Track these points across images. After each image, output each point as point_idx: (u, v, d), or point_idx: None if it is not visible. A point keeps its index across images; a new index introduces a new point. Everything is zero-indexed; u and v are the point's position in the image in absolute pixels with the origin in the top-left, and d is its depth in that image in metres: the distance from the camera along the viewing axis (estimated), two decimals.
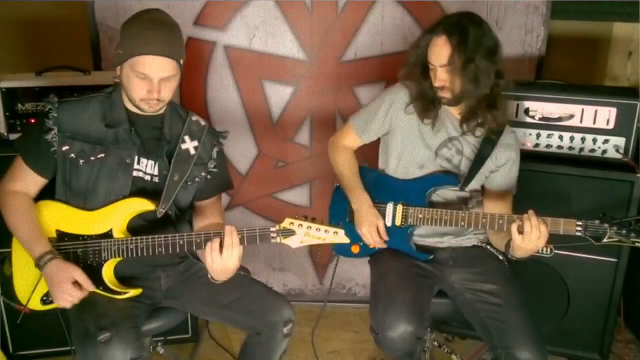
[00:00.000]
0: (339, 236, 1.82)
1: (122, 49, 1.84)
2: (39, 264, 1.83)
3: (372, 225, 2.11)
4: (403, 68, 2.13)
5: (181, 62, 1.88)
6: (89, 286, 1.84)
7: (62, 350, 2.37)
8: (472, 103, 2.06)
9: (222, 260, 1.78)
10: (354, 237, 2.11)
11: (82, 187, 1.92)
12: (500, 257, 2.20)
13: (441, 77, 2.01)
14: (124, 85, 1.89)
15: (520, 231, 1.88)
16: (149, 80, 1.83)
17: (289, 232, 1.81)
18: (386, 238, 2.13)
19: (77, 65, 2.52)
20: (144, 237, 1.86)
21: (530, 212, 1.89)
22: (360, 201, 2.16)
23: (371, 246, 2.15)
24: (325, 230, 1.81)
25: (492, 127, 2.09)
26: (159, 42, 1.81)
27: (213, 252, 1.78)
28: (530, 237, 1.86)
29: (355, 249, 2.21)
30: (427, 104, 2.10)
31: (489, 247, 2.24)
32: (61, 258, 1.85)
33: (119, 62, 1.86)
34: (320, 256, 3.07)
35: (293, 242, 1.82)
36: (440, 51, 1.97)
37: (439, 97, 2.09)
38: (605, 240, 1.87)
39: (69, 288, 1.81)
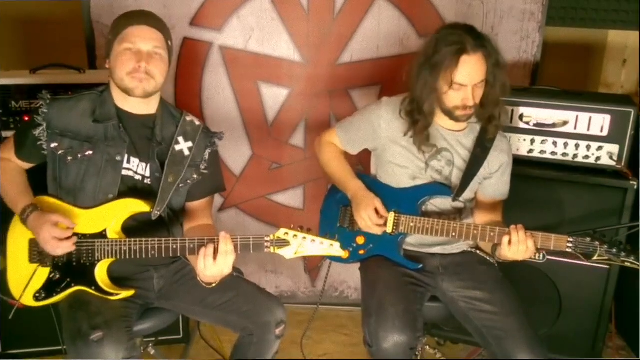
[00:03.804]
0: (334, 249, 1.80)
1: (112, 35, 1.91)
2: (23, 217, 1.86)
3: (370, 207, 2.07)
4: (426, 94, 2.04)
5: (169, 43, 1.94)
6: (69, 223, 1.85)
7: (53, 349, 2.37)
8: (491, 110, 2.07)
9: (215, 266, 1.78)
10: (344, 242, 2.08)
11: (72, 184, 1.93)
12: (490, 260, 2.21)
13: (474, 94, 1.98)
14: (113, 70, 1.91)
15: (509, 242, 1.92)
16: (137, 53, 1.86)
17: (283, 243, 1.80)
18: (386, 215, 2.08)
19: (72, 63, 2.52)
20: (138, 239, 1.86)
21: (519, 225, 1.93)
22: (354, 188, 2.14)
23: (371, 231, 2.10)
24: (321, 242, 1.80)
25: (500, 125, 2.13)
26: (145, 15, 1.93)
27: (207, 258, 1.78)
28: (518, 249, 1.91)
29: (344, 254, 2.20)
30: (426, 132, 2.09)
31: (478, 251, 2.24)
32: (42, 209, 1.87)
33: (109, 47, 1.91)
34: (309, 258, 3.05)
35: (287, 252, 1.80)
36: (477, 69, 1.95)
37: (432, 121, 2.09)
38: (595, 258, 1.90)
39: (52, 229, 1.81)
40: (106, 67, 1.95)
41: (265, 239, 1.80)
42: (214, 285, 1.88)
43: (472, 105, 2.00)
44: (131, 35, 1.87)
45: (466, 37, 1.94)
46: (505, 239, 1.92)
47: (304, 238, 1.79)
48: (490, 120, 2.10)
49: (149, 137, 1.98)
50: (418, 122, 2.08)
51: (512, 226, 1.92)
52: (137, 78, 1.87)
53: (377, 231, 2.09)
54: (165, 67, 1.93)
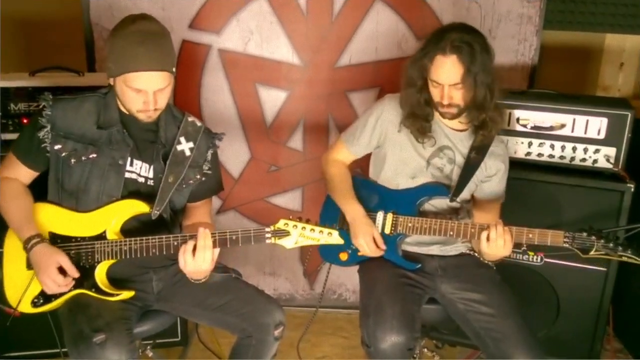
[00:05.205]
0: (333, 237, 1.83)
1: (113, 64, 1.83)
2: (26, 247, 1.84)
3: (368, 235, 2.11)
4: (403, 86, 2.12)
5: (173, 69, 1.88)
6: (73, 273, 1.84)
7: (51, 352, 2.36)
8: (478, 115, 2.07)
9: (194, 263, 1.81)
10: (344, 244, 2.08)
11: (74, 186, 1.92)
12: (489, 263, 2.21)
13: (450, 94, 2.01)
14: (119, 97, 1.90)
15: (487, 238, 1.95)
16: (144, 93, 1.83)
17: (283, 233, 1.83)
18: (383, 247, 2.12)
19: (71, 66, 2.52)
20: (138, 238, 1.86)
21: (498, 220, 1.98)
22: (354, 213, 2.15)
23: (367, 255, 2.13)
24: (320, 231, 1.82)
25: (495, 132, 2.13)
26: (149, 57, 1.80)
27: (186, 254, 1.81)
28: (496, 244, 1.94)
29: (343, 256, 2.21)
30: (422, 122, 2.11)
31: (476, 254, 2.25)
32: (48, 242, 1.86)
33: (110, 75, 1.86)
34: (309, 262, 3.07)
35: (287, 242, 1.83)
36: (450, 71, 1.97)
37: (432, 112, 2.11)
38: (592, 253, 1.91)
39: (53, 274, 1.81)
40: (108, 82, 1.91)
41: (266, 229, 1.83)
42: (202, 280, 1.91)
43: (447, 104, 2.03)
44: (137, 82, 1.80)
45: (450, 37, 1.97)
46: (484, 233, 1.96)
47: (304, 228, 1.82)
48: (479, 127, 2.12)
49: (153, 139, 1.98)
50: (408, 113, 2.12)
51: (492, 223, 1.97)
52: (147, 115, 1.88)
53: (374, 255, 2.12)
54: (170, 90, 1.91)
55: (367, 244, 2.10)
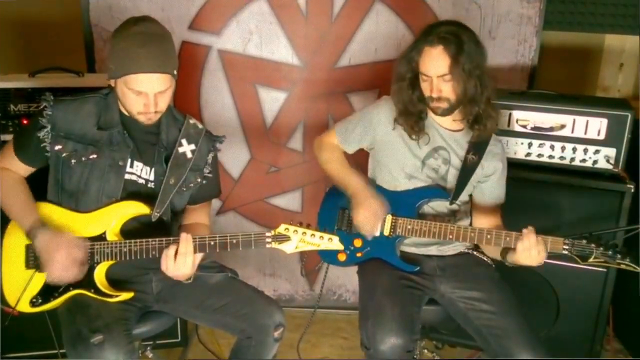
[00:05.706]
0: (334, 243, 1.84)
1: (114, 66, 1.83)
2: (29, 235, 1.84)
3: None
4: (393, 81, 2.14)
5: (175, 72, 1.87)
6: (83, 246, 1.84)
7: (50, 353, 2.36)
8: (471, 109, 2.07)
9: (175, 267, 1.82)
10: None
11: (74, 187, 1.92)
12: (487, 261, 2.22)
13: (439, 87, 2.02)
14: (120, 99, 1.90)
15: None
16: (145, 95, 1.83)
17: (283, 238, 1.83)
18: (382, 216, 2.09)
19: (71, 66, 2.52)
20: (138, 240, 1.86)
21: (530, 229, 1.93)
22: (356, 185, 2.12)
23: (368, 234, 2.10)
24: (320, 237, 1.84)
25: (490, 131, 2.12)
26: (150, 59, 1.79)
27: (168, 259, 1.82)
28: (530, 253, 1.91)
29: (342, 256, 2.21)
30: (415, 119, 2.11)
31: (475, 252, 2.26)
32: (52, 228, 1.85)
33: (111, 77, 1.86)
34: (307, 261, 3.06)
35: (288, 247, 1.84)
36: (437, 62, 1.99)
37: (425, 110, 2.12)
38: (591, 260, 1.92)
39: (73, 250, 1.80)
40: (109, 83, 1.91)
41: (267, 234, 1.84)
42: (191, 280, 1.92)
43: (436, 97, 2.03)
44: (138, 83, 1.80)
45: (438, 30, 2.00)
46: (520, 243, 1.92)
47: (304, 233, 1.83)
48: (473, 123, 2.11)
49: (153, 141, 1.98)
50: (401, 111, 2.12)
51: (524, 230, 1.93)
52: (147, 117, 1.88)
53: (374, 230, 2.08)
54: (171, 94, 1.90)
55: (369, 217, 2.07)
